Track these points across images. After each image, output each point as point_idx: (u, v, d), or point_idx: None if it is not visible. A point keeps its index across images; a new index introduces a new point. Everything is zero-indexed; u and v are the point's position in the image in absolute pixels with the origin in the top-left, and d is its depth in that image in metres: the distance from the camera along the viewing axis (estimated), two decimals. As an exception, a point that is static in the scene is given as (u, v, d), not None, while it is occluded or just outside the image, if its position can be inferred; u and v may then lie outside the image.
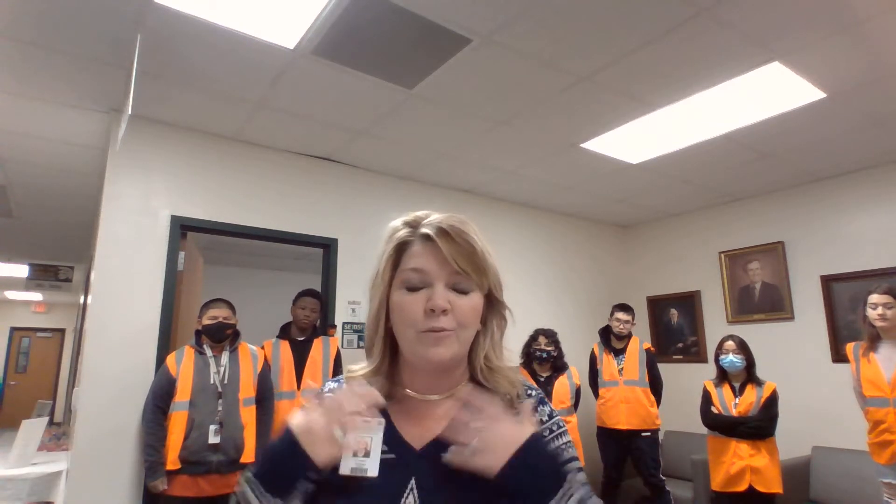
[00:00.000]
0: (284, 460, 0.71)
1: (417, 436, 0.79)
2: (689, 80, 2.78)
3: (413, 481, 0.75)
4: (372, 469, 0.73)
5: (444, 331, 0.75)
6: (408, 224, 0.81)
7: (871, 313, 2.78)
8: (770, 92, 2.88)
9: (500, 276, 0.83)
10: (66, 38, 2.40)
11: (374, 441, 0.75)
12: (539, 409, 0.85)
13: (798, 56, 2.56)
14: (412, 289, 0.77)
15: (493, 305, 0.83)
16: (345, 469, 0.73)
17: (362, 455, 0.74)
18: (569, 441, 0.85)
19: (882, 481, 2.77)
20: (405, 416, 0.81)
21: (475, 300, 0.79)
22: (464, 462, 0.70)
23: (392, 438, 0.78)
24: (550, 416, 0.85)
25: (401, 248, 0.80)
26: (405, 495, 0.74)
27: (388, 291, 0.80)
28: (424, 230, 0.78)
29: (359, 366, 0.85)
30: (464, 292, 0.77)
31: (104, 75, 2.71)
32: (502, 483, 0.68)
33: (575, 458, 0.84)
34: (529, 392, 0.87)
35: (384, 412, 0.80)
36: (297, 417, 0.74)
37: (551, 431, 0.84)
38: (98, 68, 2.65)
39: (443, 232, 0.77)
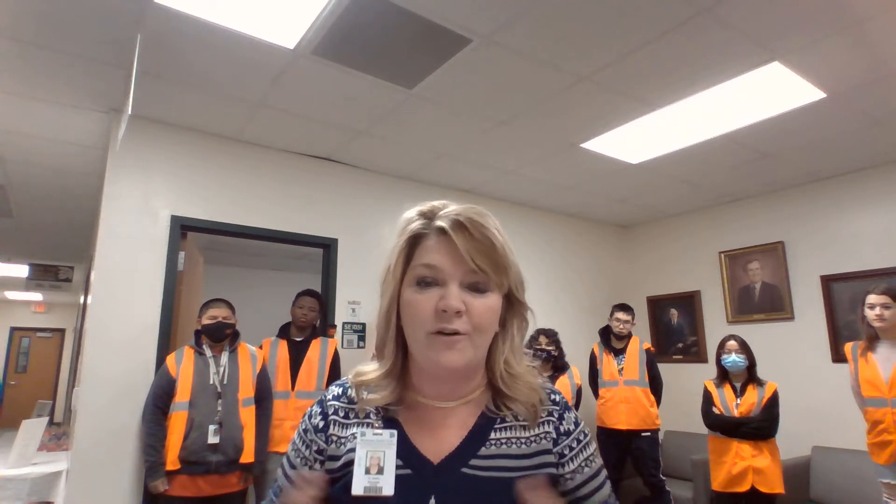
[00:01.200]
0: None
1: (433, 448, 0.72)
2: (689, 80, 2.78)
3: (433, 499, 0.68)
4: (387, 487, 0.67)
5: (456, 334, 0.68)
6: (423, 215, 0.74)
7: (869, 313, 2.78)
8: (770, 92, 2.88)
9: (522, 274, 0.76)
10: (66, 38, 2.40)
11: (388, 456, 0.69)
12: (566, 416, 0.79)
13: (798, 56, 2.56)
14: (424, 286, 0.70)
15: (513, 306, 0.76)
16: (357, 489, 0.67)
17: (375, 472, 0.68)
18: (596, 449, 0.80)
19: (881, 481, 2.77)
20: (419, 426, 0.74)
21: (493, 301, 0.71)
22: None
23: (407, 452, 0.71)
24: (577, 424, 0.79)
25: (414, 242, 0.73)
26: None
27: (399, 288, 0.73)
28: (439, 223, 0.71)
29: (370, 367, 0.79)
30: (481, 292, 0.70)
31: (104, 75, 2.71)
32: None
33: (603, 469, 0.79)
34: (553, 398, 0.80)
35: (396, 422, 0.74)
36: None
37: (579, 441, 0.78)
38: (98, 68, 2.65)
39: (459, 225, 0.70)
